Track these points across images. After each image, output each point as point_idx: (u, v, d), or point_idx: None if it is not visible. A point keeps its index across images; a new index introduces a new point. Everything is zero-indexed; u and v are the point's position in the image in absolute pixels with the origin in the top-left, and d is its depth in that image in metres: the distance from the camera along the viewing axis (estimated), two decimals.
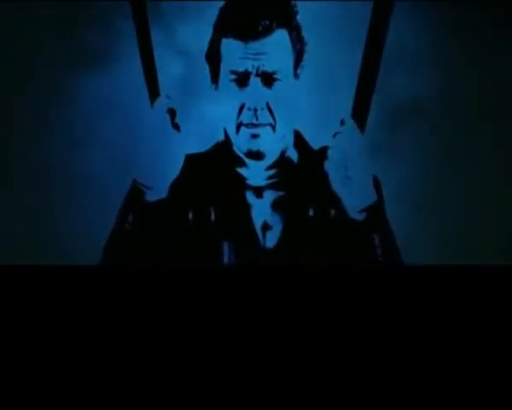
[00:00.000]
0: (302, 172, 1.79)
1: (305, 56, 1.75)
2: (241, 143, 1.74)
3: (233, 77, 1.70)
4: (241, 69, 1.69)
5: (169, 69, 1.80)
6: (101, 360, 1.81)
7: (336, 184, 1.69)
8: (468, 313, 1.84)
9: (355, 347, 1.81)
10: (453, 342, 1.83)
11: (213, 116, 1.78)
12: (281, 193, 1.77)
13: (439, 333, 1.83)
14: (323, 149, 1.71)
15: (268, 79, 1.69)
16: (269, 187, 1.78)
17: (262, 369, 1.80)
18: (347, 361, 1.81)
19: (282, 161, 1.78)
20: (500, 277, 1.86)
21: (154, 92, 1.74)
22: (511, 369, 1.81)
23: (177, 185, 1.71)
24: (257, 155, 1.74)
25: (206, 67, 1.77)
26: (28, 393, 1.80)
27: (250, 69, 1.68)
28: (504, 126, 1.94)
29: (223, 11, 1.73)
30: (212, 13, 1.75)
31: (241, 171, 1.78)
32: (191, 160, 1.74)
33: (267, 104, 1.70)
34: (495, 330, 1.83)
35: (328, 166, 1.69)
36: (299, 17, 1.72)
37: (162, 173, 1.70)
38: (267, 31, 1.67)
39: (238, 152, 1.77)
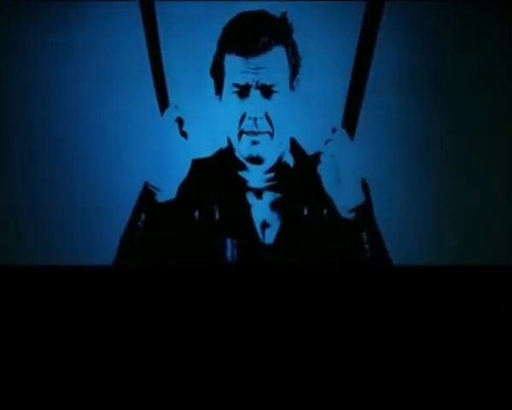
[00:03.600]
0: (297, 176, 1.88)
1: (300, 70, 1.83)
2: (242, 149, 1.83)
3: (235, 89, 1.79)
4: (242, 82, 1.78)
5: (178, 81, 1.87)
6: (107, 359, 1.87)
7: (328, 186, 1.78)
8: (464, 314, 1.89)
9: (348, 341, 1.88)
10: (447, 342, 1.88)
11: (217, 125, 1.86)
12: (278, 194, 1.86)
13: (433, 332, 1.89)
14: (317, 155, 1.81)
15: (267, 91, 1.78)
16: (267, 189, 1.86)
17: (258, 362, 1.88)
18: (341, 356, 1.88)
19: (279, 166, 1.87)
20: (495, 277, 1.90)
21: (163, 103, 1.83)
22: (507, 370, 1.85)
23: (184, 187, 1.80)
24: (257, 160, 1.82)
25: (211, 80, 1.86)
26: (35, 393, 1.85)
27: (250, 82, 1.77)
28: (504, 126, 1.98)
29: (226, 30, 1.82)
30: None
31: (243, 174, 1.87)
32: (197, 164, 1.83)
33: (266, 114, 1.79)
34: (491, 330, 1.88)
35: (320, 170, 1.79)
36: (294, 35, 1.82)
37: (171, 177, 1.79)
38: (266, 47, 1.76)
39: (240, 157, 1.86)
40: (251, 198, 1.86)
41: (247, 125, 1.80)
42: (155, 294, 1.90)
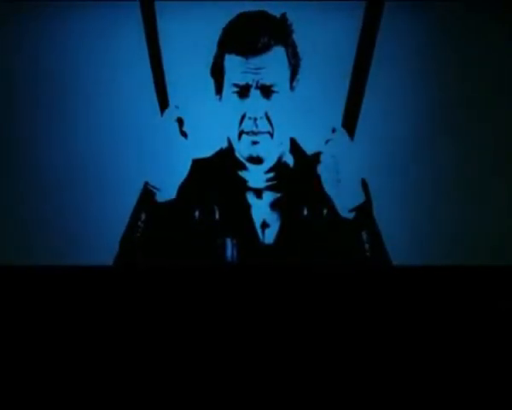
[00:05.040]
0: (297, 176, 1.88)
1: (300, 70, 1.84)
2: (242, 149, 1.84)
3: (235, 89, 1.80)
4: (242, 82, 1.79)
5: (178, 81, 1.87)
6: (108, 358, 1.87)
7: (328, 186, 1.80)
8: (464, 314, 1.89)
9: (348, 340, 1.89)
10: (447, 341, 1.88)
11: (217, 125, 1.86)
12: (278, 194, 1.87)
13: (433, 332, 1.89)
14: (317, 155, 1.82)
15: (266, 91, 1.79)
16: (267, 189, 1.87)
17: (257, 360, 1.88)
18: (341, 355, 1.88)
19: (279, 166, 1.87)
20: (495, 277, 1.91)
21: (163, 103, 1.84)
22: (507, 369, 1.85)
23: (184, 187, 1.81)
24: (257, 160, 1.83)
25: (211, 80, 1.86)
26: (36, 391, 1.85)
27: (250, 82, 1.78)
28: (504, 126, 1.97)
29: (226, 30, 1.82)
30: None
31: (243, 174, 1.88)
32: (197, 164, 1.84)
33: (266, 114, 1.80)
34: (491, 330, 1.88)
35: (320, 169, 1.80)
36: (294, 36, 1.82)
37: (171, 176, 1.80)
38: (266, 47, 1.77)
39: (240, 157, 1.86)
40: (251, 198, 1.87)
41: (247, 125, 1.81)
42: (155, 294, 1.91)
